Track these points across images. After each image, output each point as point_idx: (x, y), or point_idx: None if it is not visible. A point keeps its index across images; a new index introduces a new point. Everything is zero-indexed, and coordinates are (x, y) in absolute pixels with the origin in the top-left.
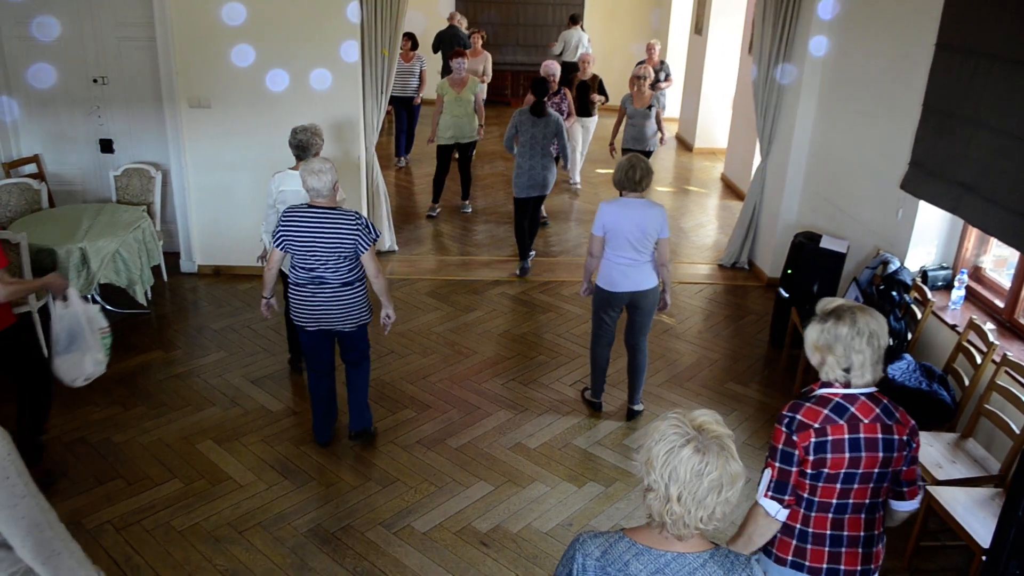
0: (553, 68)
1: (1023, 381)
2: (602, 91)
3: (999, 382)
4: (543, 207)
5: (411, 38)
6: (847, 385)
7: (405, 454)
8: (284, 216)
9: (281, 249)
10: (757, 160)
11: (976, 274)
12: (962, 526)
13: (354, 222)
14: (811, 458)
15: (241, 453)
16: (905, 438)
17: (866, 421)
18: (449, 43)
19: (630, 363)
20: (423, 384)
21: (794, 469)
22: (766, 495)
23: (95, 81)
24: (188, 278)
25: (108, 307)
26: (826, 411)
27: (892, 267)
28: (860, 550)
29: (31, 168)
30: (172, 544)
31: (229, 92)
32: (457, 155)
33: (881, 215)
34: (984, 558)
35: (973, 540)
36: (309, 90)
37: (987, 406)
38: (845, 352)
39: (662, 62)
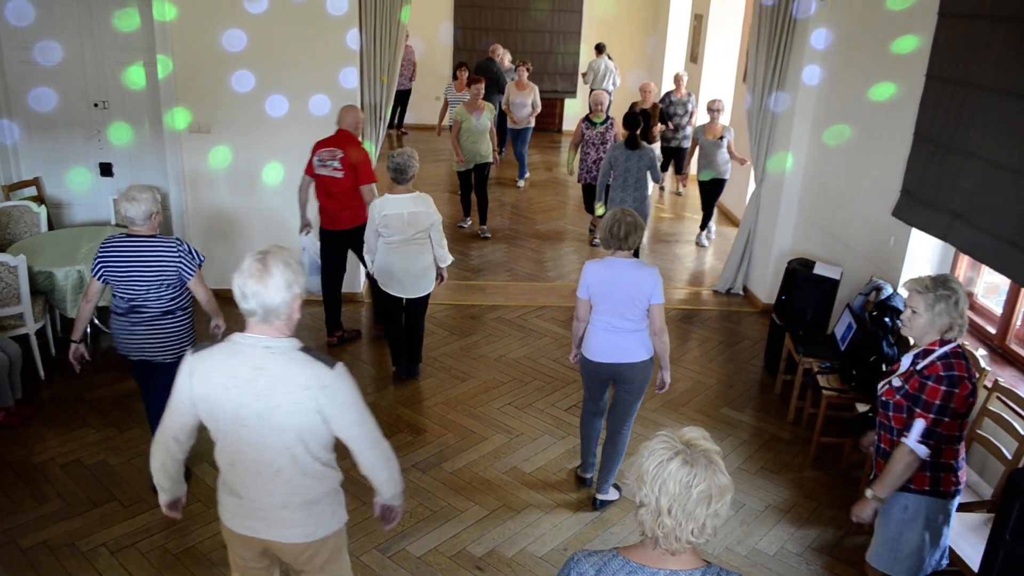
0: (601, 97)
1: (1015, 407)
2: (663, 120)
3: (991, 408)
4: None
5: (468, 69)
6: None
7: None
8: (102, 246)
9: (100, 280)
10: (751, 187)
11: (968, 300)
12: (955, 551)
13: (174, 249)
14: (967, 402)
15: None
16: None
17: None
18: (483, 75)
19: (605, 445)
20: (419, 408)
21: (946, 419)
22: (918, 441)
23: (96, 105)
24: None
25: (105, 329)
26: (966, 362)
27: (885, 293)
28: (964, 475)
29: (31, 191)
30: (167, 567)
31: (228, 117)
32: (474, 178)
33: (874, 242)
34: None
35: (966, 565)
36: (308, 116)
37: (979, 431)
38: (961, 314)
39: (689, 94)
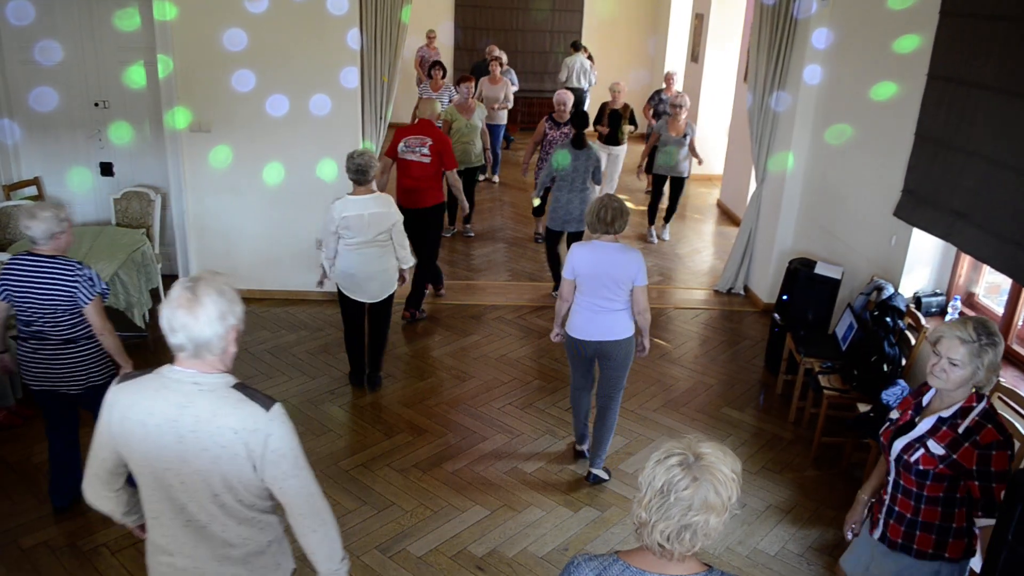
0: (565, 97)
1: (1016, 407)
2: (632, 121)
3: None
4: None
5: (443, 68)
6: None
7: (401, 478)
8: (7, 263)
9: (3, 299)
10: (753, 186)
11: (969, 300)
12: None
13: (72, 273)
14: None
15: None
16: None
17: None
18: (481, 75)
19: (595, 421)
20: (420, 408)
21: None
22: None
23: (96, 105)
24: None
25: None
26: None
27: (886, 293)
28: None
29: (31, 191)
30: None
31: (229, 117)
32: (463, 179)
33: (875, 242)
34: None
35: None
36: (309, 115)
37: None
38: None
39: (679, 93)
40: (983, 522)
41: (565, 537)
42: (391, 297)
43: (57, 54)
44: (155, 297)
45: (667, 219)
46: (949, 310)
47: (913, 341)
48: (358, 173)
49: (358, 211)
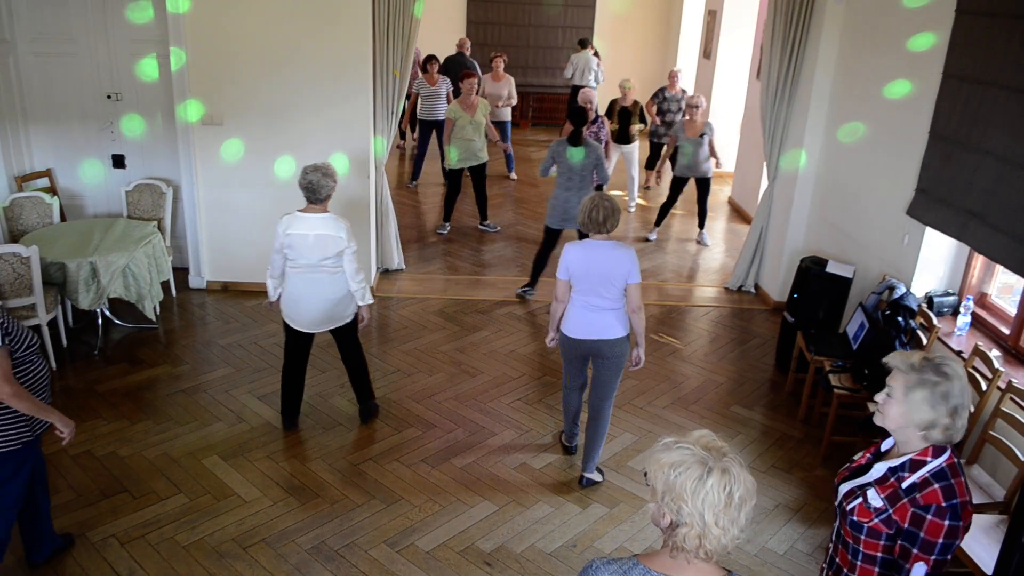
0: (591, 95)
1: None
2: (642, 118)
3: (1004, 409)
4: None
5: (437, 61)
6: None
7: (410, 472)
8: None
9: None
10: (764, 184)
11: (982, 301)
12: (967, 553)
13: None
14: (968, 527)
15: (246, 469)
16: None
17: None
18: (455, 69)
19: (588, 424)
20: (429, 403)
21: (949, 557)
22: None
23: (109, 97)
24: (197, 294)
25: (117, 321)
26: (963, 475)
27: (898, 293)
28: None
29: (43, 182)
30: (176, 559)
31: (241, 110)
32: (471, 177)
33: (887, 241)
34: None
35: (978, 567)
36: (320, 109)
37: (992, 433)
38: (952, 413)
39: (683, 91)
40: None
41: (573, 533)
42: (353, 323)
43: (70, 46)
44: (165, 289)
45: (700, 224)
46: (961, 310)
47: (925, 341)
48: (308, 191)
49: (303, 231)
